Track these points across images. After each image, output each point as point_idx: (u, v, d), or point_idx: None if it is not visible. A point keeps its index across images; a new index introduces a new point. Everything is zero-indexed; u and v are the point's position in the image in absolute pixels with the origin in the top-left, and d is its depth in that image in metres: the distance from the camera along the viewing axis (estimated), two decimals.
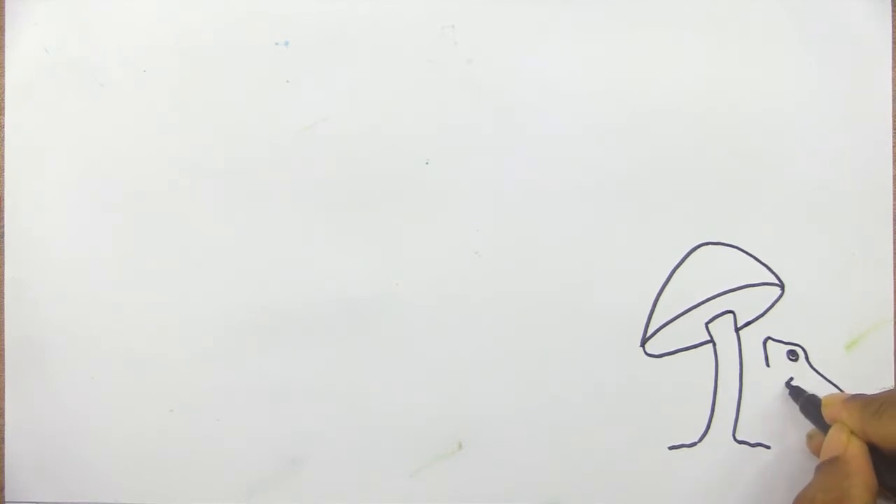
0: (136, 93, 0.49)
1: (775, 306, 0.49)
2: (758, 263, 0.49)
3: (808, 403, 0.46)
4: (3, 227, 0.50)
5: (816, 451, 0.46)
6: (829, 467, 0.41)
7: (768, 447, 0.48)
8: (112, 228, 0.49)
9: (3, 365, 0.49)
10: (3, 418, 0.49)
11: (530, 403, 0.49)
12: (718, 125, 0.49)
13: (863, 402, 0.42)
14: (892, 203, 0.49)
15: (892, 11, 0.49)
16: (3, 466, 0.49)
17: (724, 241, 0.49)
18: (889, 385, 0.48)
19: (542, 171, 0.49)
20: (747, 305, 0.49)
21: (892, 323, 0.48)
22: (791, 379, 0.48)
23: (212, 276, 0.49)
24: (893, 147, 0.49)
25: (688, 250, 0.49)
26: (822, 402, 0.44)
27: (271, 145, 0.49)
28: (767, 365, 0.48)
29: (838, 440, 0.41)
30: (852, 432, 0.41)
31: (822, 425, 0.44)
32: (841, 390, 0.48)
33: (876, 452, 0.40)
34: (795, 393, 0.47)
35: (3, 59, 0.50)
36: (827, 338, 0.49)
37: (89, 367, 0.49)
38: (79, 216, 0.49)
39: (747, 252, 0.49)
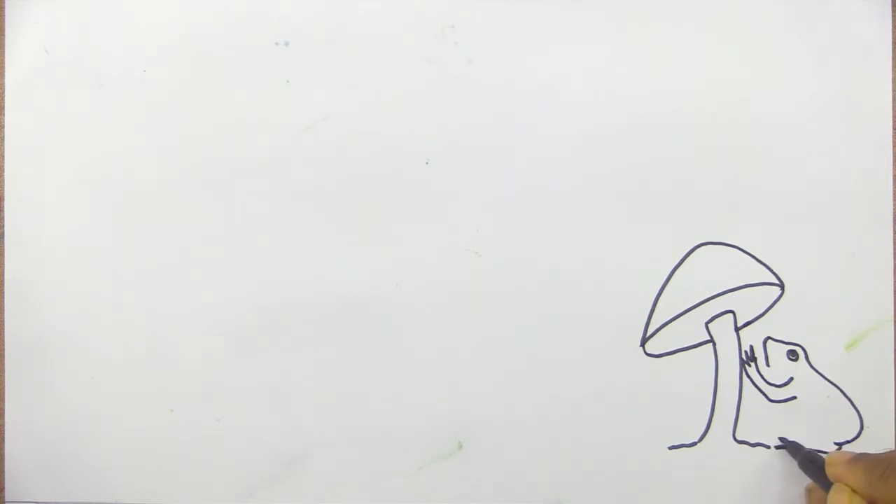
0: (136, 93, 0.49)
1: (775, 306, 0.49)
2: (758, 263, 0.49)
3: (806, 460, 0.46)
4: (3, 227, 0.50)
5: None
6: None
7: (768, 447, 0.48)
8: (112, 228, 0.49)
9: (3, 365, 0.49)
10: (3, 418, 0.49)
11: (530, 403, 0.49)
12: (718, 125, 0.49)
13: (868, 464, 0.41)
14: (892, 203, 0.49)
15: (892, 11, 0.49)
16: (3, 466, 0.49)
17: (724, 241, 0.49)
18: (889, 385, 0.48)
19: (542, 171, 0.49)
20: (747, 305, 0.49)
21: (892, 323, 0.48)
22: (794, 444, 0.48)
23: (212, 276, 0.49)
24: (893, 147, 0.49)
25: (688, 250, 0.49)
26: (826, 460, 0.43)
27: (271, 145, 0.49)
28: (767, 365, 0.48)
29: (840, 503, 0.41)
30: (854, 492, 0.41)
31: (823, 482, 0.43)
32: (841, 390, 0.48)
33: None
34: (793, 448, 0.47)
35: (3, 59, 0.50)
36: (827, 338, 0.49)
37: (89, 368, 0.49)
38: (79, 216, 0.49)
39: (747, 252, 0.49)
